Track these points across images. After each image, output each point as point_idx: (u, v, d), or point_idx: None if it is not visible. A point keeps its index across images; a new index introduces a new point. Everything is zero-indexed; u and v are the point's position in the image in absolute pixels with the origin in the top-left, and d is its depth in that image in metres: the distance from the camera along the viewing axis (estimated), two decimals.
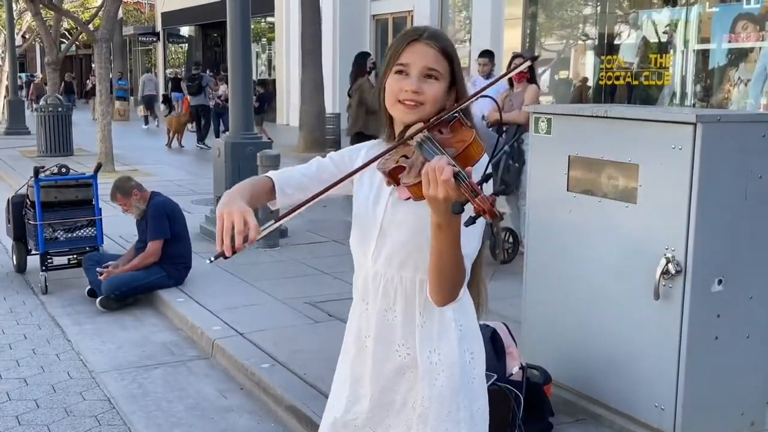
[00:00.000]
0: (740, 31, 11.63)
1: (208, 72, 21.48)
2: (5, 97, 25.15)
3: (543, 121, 3.92)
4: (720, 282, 3.33)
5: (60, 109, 15.44)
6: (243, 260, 6.97)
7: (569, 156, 3.79)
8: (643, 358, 3.47)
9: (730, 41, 11.83)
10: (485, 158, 1.59)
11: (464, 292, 1.71)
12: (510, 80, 7.19)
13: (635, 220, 3.46)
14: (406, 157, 1.64)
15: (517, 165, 6.95)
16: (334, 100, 21.00)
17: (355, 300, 1.92)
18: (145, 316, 5.84)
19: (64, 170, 6.52)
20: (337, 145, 15.15)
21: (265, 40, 30.09)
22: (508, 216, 7.24)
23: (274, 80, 27.52)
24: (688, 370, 3.32)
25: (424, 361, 1.78)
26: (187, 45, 36.40)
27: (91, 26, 15.18)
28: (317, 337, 5.02)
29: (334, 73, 21.08)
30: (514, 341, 3.60)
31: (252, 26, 28.94)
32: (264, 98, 20.42)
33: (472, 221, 1.38)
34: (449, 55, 1.76)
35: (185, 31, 35.48)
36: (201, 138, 17.69)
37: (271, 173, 1.87)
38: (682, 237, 3.25)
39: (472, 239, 1.66)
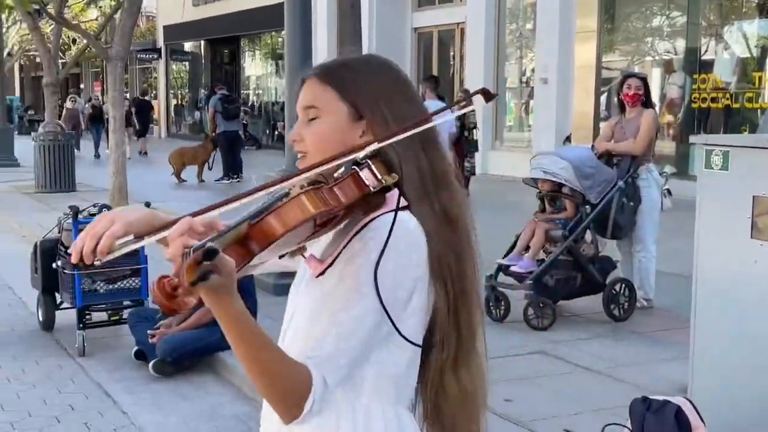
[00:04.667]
0: None
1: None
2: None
3: (717, 155, 3.87)
4: None
5: (60, 138, 15.61)
6: None
7: (754, 196, 3.72)
8: None
9: None
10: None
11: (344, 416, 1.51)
12: (621, 104, 7.16)
13: None
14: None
15: (632, 204, 6.88)
16: None
17: None
18: (206, 383, 5.79)
19: (105, 210, 6.52)
20: None
21: (282, 56, 30.48)
22: (620, 265, 7.16)
23: None
24: None
25: None
26: (188, 63, 36.91)
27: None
28: None
29: None
30: (702, 419, 3.51)
31: (269, 40, 29.21)
32: None
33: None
34: (334, 80, 1.59)
35: (188, 47, 35.99)
36: (234, 170, 17.73)
37: None
38: None
39: (331, 336, 1.47)
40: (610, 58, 17.11)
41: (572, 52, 16.80)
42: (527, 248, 6.84)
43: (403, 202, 1.52)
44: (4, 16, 21.28)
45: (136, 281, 6.58)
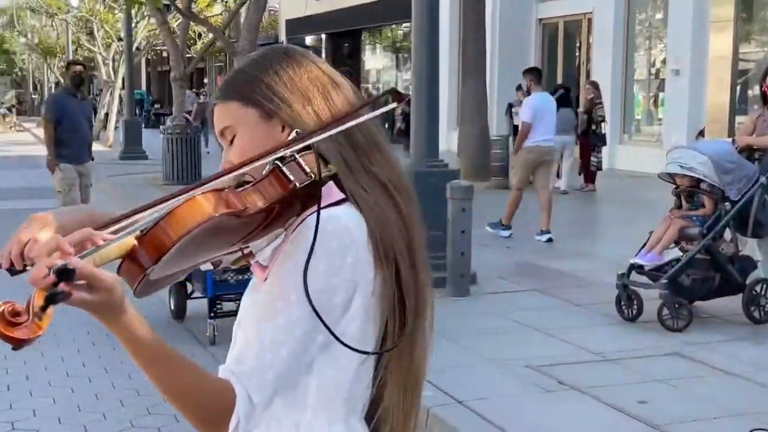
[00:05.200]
0: None
1: None
2: (119, 116, 26.55)
3: None
4: None
5: (188, 131, 16.12)
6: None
7: None
8: None
9: None
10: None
11: None
12: (764, 97, 6.92)
13: None
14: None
15: None
16: (491, 119, 21.00)
17: None
18: None
19: None
20: (504, 174, 15.08)
21: (403, 49, 30.61)
22: (761, 265, 6.92)
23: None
24: None
25: None
26: None
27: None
28: (553, 410, 4.92)
29: (491, 88, 21.10)
30: None
31: (389, 33, 29.38)
32: (408, 118, 20.67)
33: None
34: (231, 91, 1.52)
35: (309, 41, 36.54)
36: None
37: None
38: None
39: (255, 349, 1.38)
40: (747, 48, 16.52)
41: (706, 42, 16.29)
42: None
43: (338, 196, 1.45)
44: (133, 12, 22.09)
45: None
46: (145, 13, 24.60)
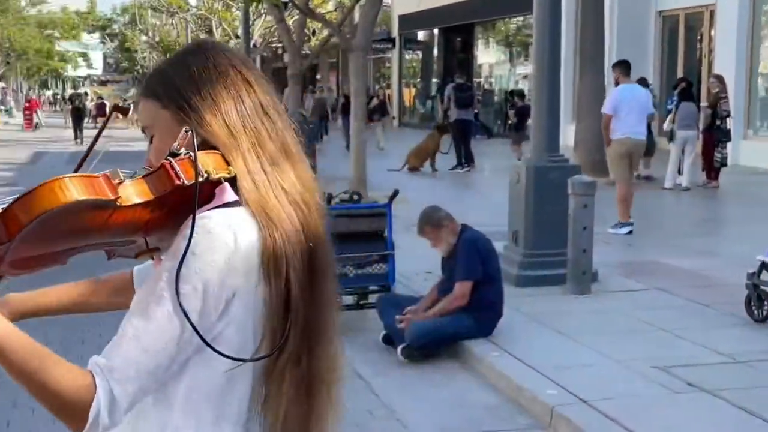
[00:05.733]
0: None
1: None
2: None
3: None
4: None
5: (304, 127, 16.33)
6: (549, 308, 6.88)
7: None
8: None
9: None
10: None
11: None
12: None
13: None
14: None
15: None
16: None
17: None
18: (452, 371, 5.87)
19: (356, 197, 6.77)
20: None
21: (516, 43, 30.32)
22: None
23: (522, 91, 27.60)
24: None
25: None
26: (421, 52, 37.50)
27: None
28: (682, 412, 4.78)
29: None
30: None
31: (503, 27, 29.14)
32: (524, 112, 20.44)
33: None
34: (150, 91, 1.52)
35: (422, 36, 36.58)
36: (466, 159, 17.88)
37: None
38: None
39: (122, 343, 1.35)
40: None
41: None
42: None
43: (231, 197, 1.43)
44: (251, 9, 22.51)
45: (383, 267, 6.78)
46: (262, 11, 25.04)
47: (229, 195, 1.43)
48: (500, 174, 17.40)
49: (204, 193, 1.40)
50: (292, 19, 21.65)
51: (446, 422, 4.98)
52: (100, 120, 40.66)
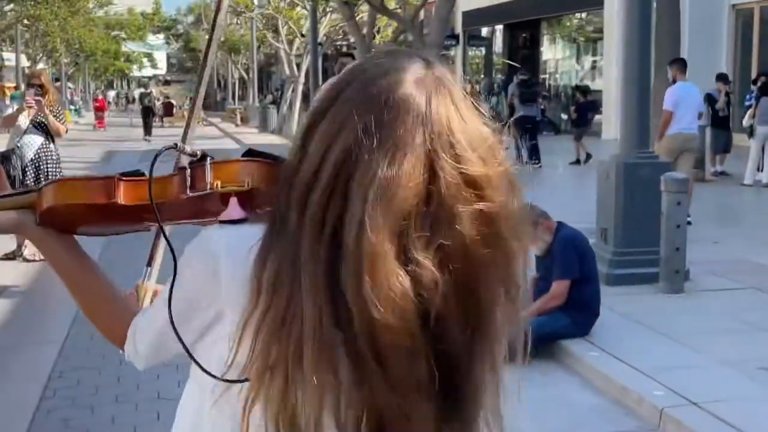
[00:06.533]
0: None
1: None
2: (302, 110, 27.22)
3: None
4: None
5: None
6: (642, 306, 6.74)
7: None
8: None
9: None
10: None
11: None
12: None
13: None
14: None
15: None
16: None
17: None
18: (550, 370, 5.76)
19: None
20: (700, 165, 14.48)
21: (582, 38, 29.98)
22: None
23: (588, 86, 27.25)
24: None
25: None
26: (485, 48, 37.27)
27: None
28: None
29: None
30: None
31: (568, 23, 28.77)
32: (585, 108, 20.16)
33: None
34: None
35: (485, 32, 36.35)
36: (533, 155, 17.67)
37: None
38: None
39: (144, 316, 1.45)
40: None
41: None
42: None
43: (239, 213, 1.34)
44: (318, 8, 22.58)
45: None
46: (328, 9, 25.11)
47: (235, 212, 1.35)
48: (572, 170, 17.26)
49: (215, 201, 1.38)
50: (358, 16, 21.63)
51: (551, 423, 4.89)
52: (167, 120, 41.36)
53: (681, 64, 11.20)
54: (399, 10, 25.12)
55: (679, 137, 10.35)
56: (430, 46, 13.21)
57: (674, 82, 11.03)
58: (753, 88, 15.09)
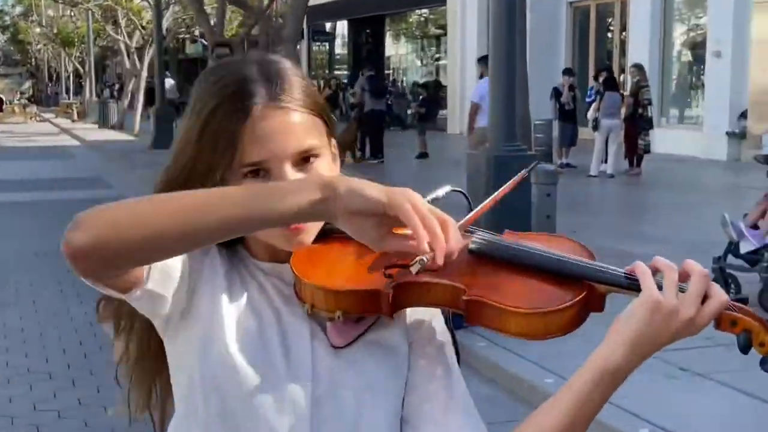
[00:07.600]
0: None
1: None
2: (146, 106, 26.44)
3: None
4: None
5: None
6: None
7: None
8: None
9: None
10: None
11: None
12: None
13: None
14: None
15: None
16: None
17: None
18: None
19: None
20: (548, 159, 14.92)
21: (420, 34, 30.44)
22: None
23: (438, 82, 27.74)
24: None
25: None
26: (328, 44, 37.25)
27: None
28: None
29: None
30: None
31: (411, 19, 29.03)
32: (428, 103, 20.46)
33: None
34: (318, 108, 1.25)
35: (329, 27, 36.33)
36: (379, 150, 17.70)
37: None
38: None
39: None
40: None
41: (748, 24, 16.11)
42: (755, 227, 6.59)
43: None
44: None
45: None
46: (171, 0, 24.45)
47: None
48: (419, 164, 17.42)
49: None
50: (210, 7, 21.16)
51: None
52: None
53: (487, 61, 11.63)
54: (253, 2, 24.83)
55: (487, 130, 10.71)
56: (288, 40, 13.05)
57: (481, 77, 11.71)
58: (593, 83, 15.68)
